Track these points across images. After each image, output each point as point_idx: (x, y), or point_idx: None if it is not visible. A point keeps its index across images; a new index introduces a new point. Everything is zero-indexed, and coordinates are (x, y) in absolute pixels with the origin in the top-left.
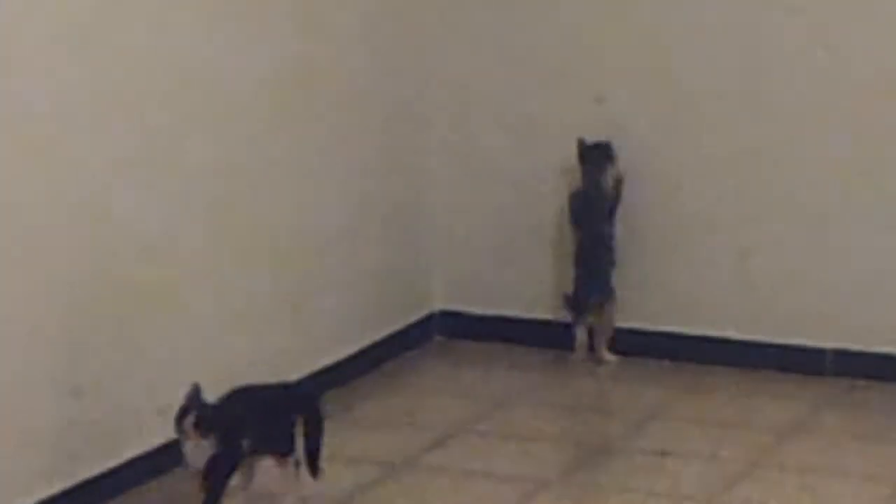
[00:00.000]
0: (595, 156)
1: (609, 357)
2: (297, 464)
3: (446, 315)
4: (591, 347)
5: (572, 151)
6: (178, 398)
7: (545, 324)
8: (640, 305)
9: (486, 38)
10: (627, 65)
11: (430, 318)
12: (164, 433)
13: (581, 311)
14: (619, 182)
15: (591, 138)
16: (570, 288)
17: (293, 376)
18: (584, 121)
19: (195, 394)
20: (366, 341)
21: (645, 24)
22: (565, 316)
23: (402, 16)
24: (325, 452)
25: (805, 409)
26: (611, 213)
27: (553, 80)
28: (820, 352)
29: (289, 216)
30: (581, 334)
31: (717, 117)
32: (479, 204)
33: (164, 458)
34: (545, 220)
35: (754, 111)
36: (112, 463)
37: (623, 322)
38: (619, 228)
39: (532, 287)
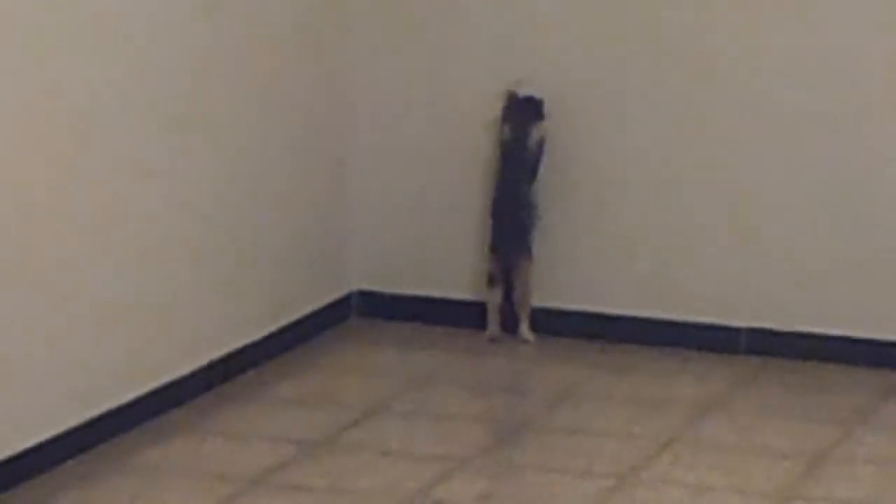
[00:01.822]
0: (524, 110)
1: (527, 334)
2: None
3: (364, 295)
4: (506, 328)
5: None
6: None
7: (463, 304)
8: (555, 284)
9: (410, 17)
10: (562, 28)
11: (347, 298)
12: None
13: (497, 262)
14: (542, 140)
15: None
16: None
17: (210, 357)
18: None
19: None
20: (283, 321)
21: None
22: (483, 295)
23: None
24: (242, 431)
25: (720, 388)
26: (533, 171)
27: (475, 63)
28: (735, 330)
29: (205, 196)
30: (493, 303)
31: (650, 86)
32: (398, 184)
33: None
34: (465, 200)
35: (688, 78)
36: None
37: (539, 301)
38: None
39: (450, 267)
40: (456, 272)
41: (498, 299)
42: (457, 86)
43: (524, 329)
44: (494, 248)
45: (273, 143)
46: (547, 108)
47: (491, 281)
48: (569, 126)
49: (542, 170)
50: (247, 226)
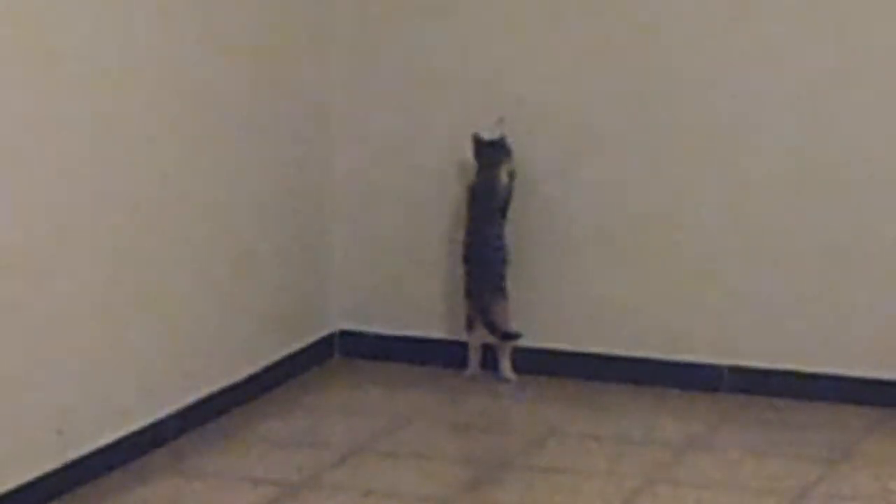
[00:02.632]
0: (490, 152)
1: (508, 373)
2: None
3: (346, 335)
4: (488, 367)
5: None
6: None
7: (445, 343)
8: (536, 324)
9: (385, 54)
10: (532, 70)
11: (330, 338)
12: None
13: (474, 308)
14: (510, 179)
15: (487, 136)
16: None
17: (193, 397)
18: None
19: None
20: (266, 361)
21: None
22: (464, 335)
23: (295, 24)
24: (224, 472)
25: (701, 426)
26: (502, 211)
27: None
28: (716, 368)
29: (187, 234)
30: (473, 343)
31: (616, 130)
32: (380, 224)
33: None
34: (445, 240)
35: (652, 124)
36: None
37: (520, 341)
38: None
39: (432, 306)
40: (437, 312)
41: (478, 340)
42: (431, 130)
43: (505, 369)
44: (469, 293)
45: (253, 187)
46: (514, 147)
47: (469, 324)
48: (539, 166)
49: (511, 211)
50: (229, 267)
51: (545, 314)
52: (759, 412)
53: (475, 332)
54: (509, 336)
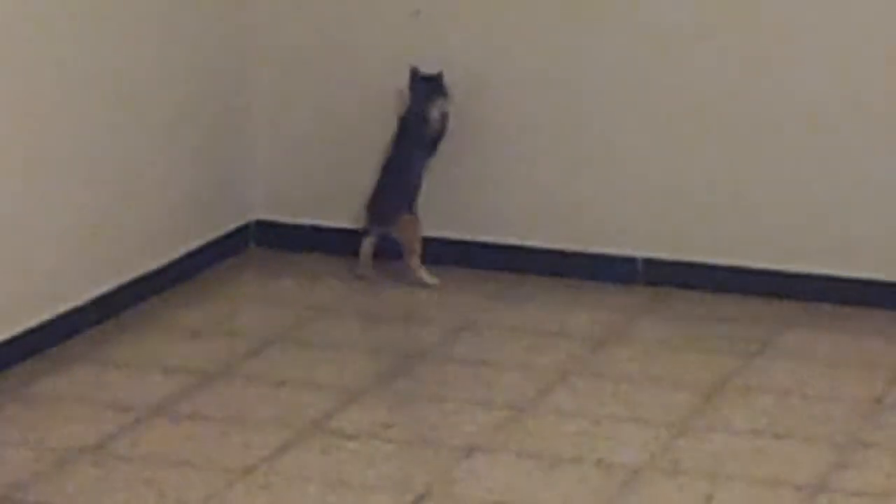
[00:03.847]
0: (425, 87)
1: (426, 277)
2: None
3: (262, 224)
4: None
5: (399, 73)
6: None
7: (356, 234)
8: (451, 215)
9: None
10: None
11: (246, 228)
12: None
13: (371, 221)
14: (444, 116)
15: (425, 69)
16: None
17: (108, 286)
18: (408, 38)
19: None
20: (182, 250)
21: None
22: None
23: None
24: (140, 361)
25: (617, 318)
26: (433, 144)
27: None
28: (631, 260)
29: (101, 123)
30: (366, 245)
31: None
32: (298, 117)
33: None
34: (366, 132)
35: (570, 24)
36: None
37: (435, 232)
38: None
39: (350, 198)
40: (354, 202)
41: (370, 247)
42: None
43: (422, 275)
44: (371, 204)
45: (173, 73)
46: (448, 83)
47: (365, 232)
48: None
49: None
50: (145, 154)
51: (461, 205)
52: (675, 305)
53: (368, 240)
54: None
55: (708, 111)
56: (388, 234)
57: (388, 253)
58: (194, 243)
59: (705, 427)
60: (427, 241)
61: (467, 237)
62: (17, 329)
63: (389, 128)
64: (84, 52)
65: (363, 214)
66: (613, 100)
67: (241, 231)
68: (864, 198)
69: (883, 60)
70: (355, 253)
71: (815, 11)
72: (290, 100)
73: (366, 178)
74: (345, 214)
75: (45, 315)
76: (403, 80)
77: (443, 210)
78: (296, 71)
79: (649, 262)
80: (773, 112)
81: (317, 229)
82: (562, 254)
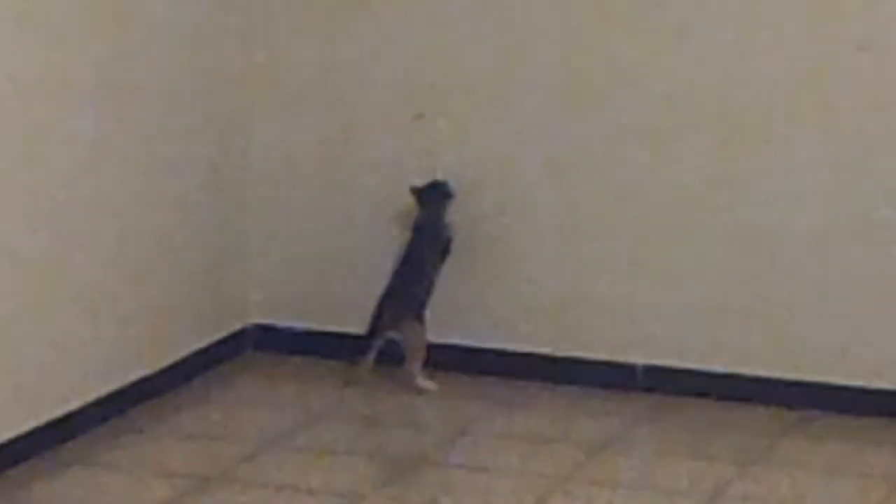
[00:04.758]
0: (432, 196)
1: (424, 384)
2: None
3: (260, 328)
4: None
5: (399, 177)
6: None
7: (360, 338)
8: (453, 321)
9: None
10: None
11: (243, 332)
12: None
13: (380, 325)
14: (451, 233)
15: (423, 180)
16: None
17: (106, 389)
18: (407, 138)
19: None
20: (179, 354)
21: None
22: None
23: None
24: (137, 465)
25: (617, 425)
26: (444, 253)
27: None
28: (631, 367)
29: (100, 227)
30: (368, 351)
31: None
32: (298, 219)
33: None
34: (366, 237)
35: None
36: None
37: (435, 337)
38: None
39: (348, 302)
40: (354, 307)
41: (373, 352)
42: (361, 130)
43: (420, 382)
44: (380, 308)
45: (172, 180)
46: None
47: (370, 336)
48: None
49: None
50: (143, 258)
51: (462, 310)
52: (674, 412)
53: (373, 344)
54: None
55: (709, 219)
56: (394, 339)
57: (388, 358)
58: (192, 347)
59: None
60: (423, 361)
61: (466, 343)
62: (13, 432)
63: (389, 233)
64: (101, 156)
65: (370, 318)
66: (613, 207)
67: (239, 335)
68: (863, 306)
69: None
70: (354, 358)
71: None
72: (287, 205)
73: (364, 283)
74: (343, 319)
75: (41, 418)
76: (403, 185)
77: (441, 316)
78: (294, 175)
79: (649, 369)
80: (780, 221)
81: (315, 334)
82: (561, 360)
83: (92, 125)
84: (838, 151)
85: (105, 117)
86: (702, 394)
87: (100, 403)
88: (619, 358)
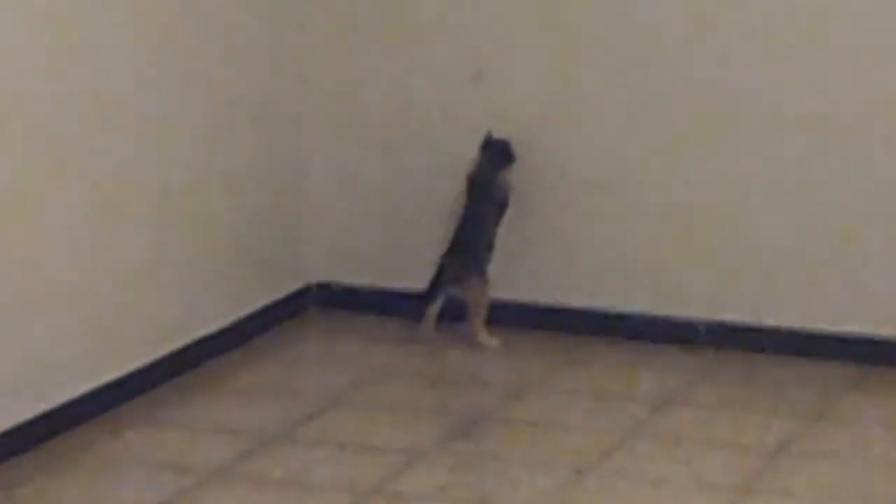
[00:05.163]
0: (495, 152)
1: (487, 340)
2: None
3: (322, 287)
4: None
5: (461, 134)
6: None
7: (422, 296)
8: (514, 278)
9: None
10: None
11: (306, 290)
12: None
13: (439, 280)
14: (509, 185)
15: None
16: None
17: (168, 348)
18: (466, 106)
19: None
20: (242, 312)
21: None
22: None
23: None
24: (200, 423)
25: (679, 381)
26: (500, 210)
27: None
28: (693, 323)
29: (163, 187)
30: (433, 306)
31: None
32: (359, 177)
33: None
34: (426, 194)
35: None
36: None
37: (498, 294)
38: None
39: (410, 260)
40: (415, 265)
41: (435, 309)
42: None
43: (484, 338)
44: (443, 264)
45: (233, 136)
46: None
47: (433, 292)
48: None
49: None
50: (205, 218)
51: (524, 268)
52: (737, 368)
53: (434, 304)
54: None
55: (773, 176)
56: (456, 295)
57: (450, 315)
58: (254, 305)
59: (767, 490)
60: (487, 315)
61: (529, 299)
62: (77, 392)
63: (452, 190)
64: (164, 119)
65: (433, 274)
66: (677, 163)
67: (301, 293)
68: None
69: None
70: (416, 315)
71: None
72: (350, 163)
73: (427, 239)
74: (404, 277)
75: (105, 378)
76: (466, 142)
77: (504, 272)
78: (356, 134)
79: (711, 325)
80: (838, 181)
81: (377, 292)
82: (623, 316)
83: (156, 90)
84: None
85: (171, 89)
86: (764, 350)
87: (162, 362)
88: (681, 314)
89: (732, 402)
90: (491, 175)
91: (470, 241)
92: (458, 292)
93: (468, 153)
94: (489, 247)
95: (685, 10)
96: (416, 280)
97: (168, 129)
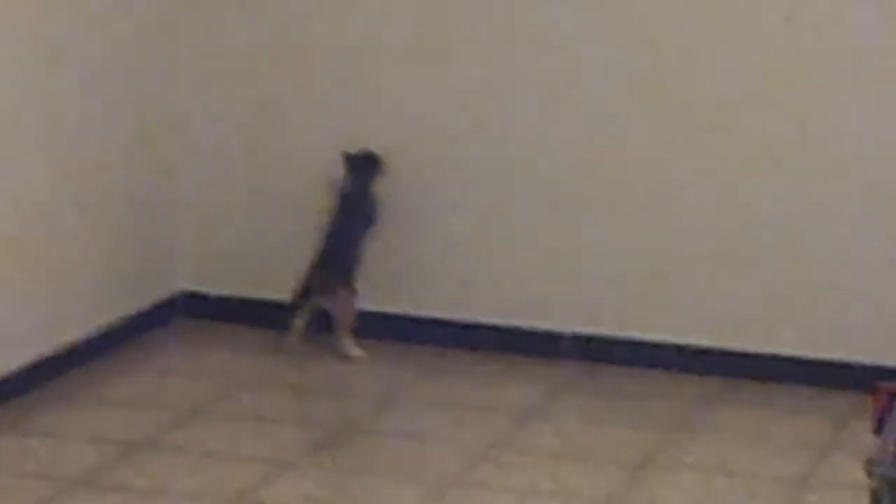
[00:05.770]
0: (362, 166)
1: (354, 351)
2: None
3: (190, 296)
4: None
5: (329, 145)
6: None
7: (289, 307)
8: (382, 288)
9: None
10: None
11: (173, 299)
12: None
13: (309, 293)
14: (377, 204)
15: (354, 148)
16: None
17: (34, 356)
18: (342, 105)
19: None
20: (108, 320)
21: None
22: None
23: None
24: (65, 431)
25: (544, 393)
26: (372, 219)
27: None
28: (557, 336)
29: (30, 192)
30: (299, 318)
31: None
32: (227, 186)
33: None
34: (293, 205)
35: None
36: None
37: (363, 305)
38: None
39: (277, 270)
40: (283, 275)
41: (303, 321)
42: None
43: (349, 350)
44: (309, 276)
45: (102, 143)
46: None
47: (297, 305)
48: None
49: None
50: (73, 225)
51: (389, 278)
52: (600, 380)
53: (300, 317)
54: None
55: (636, 188)
56: (323, 307)
57: (317, 326)
58: (121, 314)
59: (633, 502)
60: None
61: (395, 310)
62: None
63: (317, 200)
64: (22, 123)
65: (299, 286)
66: (545, 177)
67: (169, 302)
68: (790, 277)
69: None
70: (282, 326)
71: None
72: (217, 172)
73: (293, 250)
74: (272, 287)
75: None
76: (335, 155)
77: (371, 284)
78: (224, 143)
79: (576, 338)
80: (701, 184)
81: (244, 301)
82: (489, 328)
83: (14, 92)
84: None
85: (41, 73)
86: (628, 362)
87: (29, 370)
88: (547, 326)
89: (596, 415)
90: (363, 190)
91: (338, 254)
92: (325, 304)
93: (336, 166)
94: (357, 259)
95: (572, 18)
96: (284, 291)
97: (35, 129)
